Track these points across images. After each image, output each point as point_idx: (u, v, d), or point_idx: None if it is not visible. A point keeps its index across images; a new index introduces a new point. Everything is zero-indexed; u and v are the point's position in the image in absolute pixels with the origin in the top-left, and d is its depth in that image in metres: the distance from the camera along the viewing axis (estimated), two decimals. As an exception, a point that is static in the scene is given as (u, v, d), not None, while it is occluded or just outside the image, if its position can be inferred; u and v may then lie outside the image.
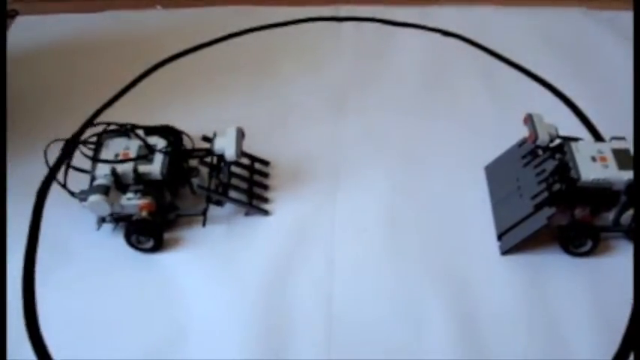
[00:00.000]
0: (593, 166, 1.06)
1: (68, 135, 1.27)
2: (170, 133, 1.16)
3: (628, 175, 1.04)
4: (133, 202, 1.09)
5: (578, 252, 1.08)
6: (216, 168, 1.15)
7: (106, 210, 1.08)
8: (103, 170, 1.09)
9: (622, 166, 1.06)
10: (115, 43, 1.55)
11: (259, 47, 1.53)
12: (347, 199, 1.18)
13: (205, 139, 1.15)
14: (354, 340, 0.99)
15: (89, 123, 1.29)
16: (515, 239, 1.08)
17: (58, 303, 1.05)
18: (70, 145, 1.18)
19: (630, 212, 1.06)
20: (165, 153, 1.11)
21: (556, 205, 1.05)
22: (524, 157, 1.15)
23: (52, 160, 1.17)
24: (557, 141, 1.12)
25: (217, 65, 1.48)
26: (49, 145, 1.14)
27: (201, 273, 1.08)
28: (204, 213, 1.14)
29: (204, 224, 1.14)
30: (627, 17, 1.48)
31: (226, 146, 1.10)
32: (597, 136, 1.28)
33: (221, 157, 1.12)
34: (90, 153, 1.13)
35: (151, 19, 1.62)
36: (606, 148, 1.09)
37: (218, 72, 1.46)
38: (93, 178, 1.11)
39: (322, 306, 1.03)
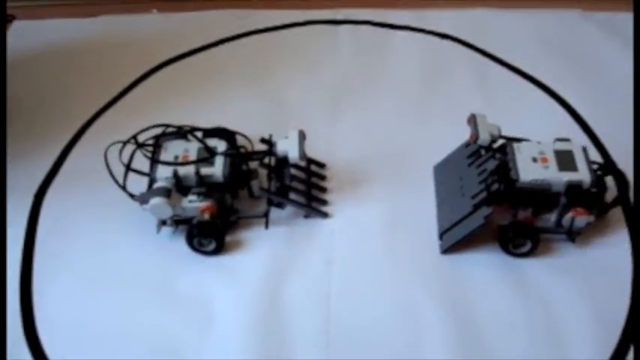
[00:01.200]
0: (533, 167, 1.06)
1: (67, 137, 1.27)
2: (225, 135, 1.15)
3: (568, 176, 1.04)
4: (194, 205, 1.08)
5: (517, 252, 1.08)
6: (275, 170, 1.14)
7: (167, 213, 1.07)
8: (163, 173, 1.08)
9: (562, 167, 1.05)
10: (112, 48, 1.55)
11: (256, 50, 1.53)
12: (344, 202, 1.18)
13: (263, 141, 1.14)
14: (353, 342, 0.99)
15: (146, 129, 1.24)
16: (454, 238, 1.08)
17: (57, 308, 1.05)
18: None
19: (571, 214, 1.05)
20: (228, 155, 1.11)
21: (498, 205, 1.06)
22: (469, 156, 1.15)
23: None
24: (501, 141, 1.12)
25: (214, 68, 1.48)
26: (108, 148, 1.13)
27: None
28: (266, 215, 1.14)
29: (266, 226, 1.13)
30: (623, 18, 1.48)
31: (290, 148, 1.09)
32: (593, 138, 1.28)
33: (283, 159, 1.11)
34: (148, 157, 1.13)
35: (147, 23, 1.63)
36: (549, 150, 1.09)
37: (215, 75, 1.46)
38: (152, 181, 1.10)
39: (321, 306, 1.03)
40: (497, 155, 1.11)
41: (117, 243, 1.13)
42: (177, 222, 1.12)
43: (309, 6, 1.63)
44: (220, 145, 1.12)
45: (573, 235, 1.09)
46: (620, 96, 1.35)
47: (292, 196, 1.14)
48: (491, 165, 1.10)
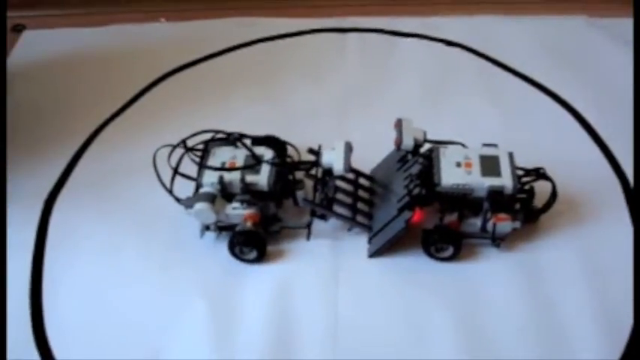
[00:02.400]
0: (456, 172, 1.06)
1: (76, 146, 1.28)
2: (274, 144, 1.15)
3: (490, 181, 1.04)
4: (238, 212, 1.08)
5: (439, 256, 1.08)
6: (321, 181, 1.13)
7: (211, 218, 1.07)
8: (209, 178, 1.08)
9: (485, 172, 1.05)
10: (121, 57, 1.56)
11: (263, 59, 1.54)
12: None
13: (311, 151, 1.13)
14: (359, 344, 1.00)
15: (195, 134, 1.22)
16: (379, 243, 1.09)
17: (68, 310, 1.06)
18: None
19: (493, 220, 1.05)
20: (273, 164, 1.10)
21: (424, 209, 1.06)
22: (398, 161, 1.16)
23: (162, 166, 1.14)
24: (428, 146, 1.12)
25: (221, 77, 1.49)
26: (157, 151, 1.13)
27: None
28: (308, 226, 1.13)
29: (308, 237, 1.13)
30: (628, 24, 1.48)
31: (335, 160, 1.08)
32: (600, 143, 1.29)
33: (328, 170, 1.11)
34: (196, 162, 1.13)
35: (155, 32, 1.64)
36: (474, 155, 1.08)
37: (222, 84, 1.47)
38: (198, 186, 1.10)
39: (328, 311, 1.04)
40: (421, 160, 1.11)
41: (124, 248, 1.13)
42: (221, 228, 1.12)
43: (316, 14, 1.64)
44: (268, 154, 1.12)
45: (497, 241, 1.09)
46: (626, 101, 1.35)
47: (336, 208, 1.13)
48: (416, 169, 1.10)
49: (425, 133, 1.11)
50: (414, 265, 1.09)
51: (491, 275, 1.07)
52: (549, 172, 1.13)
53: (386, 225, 1.09)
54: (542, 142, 1.29)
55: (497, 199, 1.04)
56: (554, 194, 1.11)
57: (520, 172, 1.09)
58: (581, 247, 1.11)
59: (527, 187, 1.10)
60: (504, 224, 1.06)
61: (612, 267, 1.08)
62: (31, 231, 1.17)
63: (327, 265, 1.10)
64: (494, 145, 1.11)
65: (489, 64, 1.50)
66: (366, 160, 1.22)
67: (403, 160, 1.15)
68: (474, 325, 1.01)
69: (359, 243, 1.12)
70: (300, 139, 1.16)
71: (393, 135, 1.12)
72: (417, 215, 1.06)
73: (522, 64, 1.48)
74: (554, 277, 1.07)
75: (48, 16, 1.71)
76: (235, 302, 1.05)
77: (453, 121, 1.34)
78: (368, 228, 1.13)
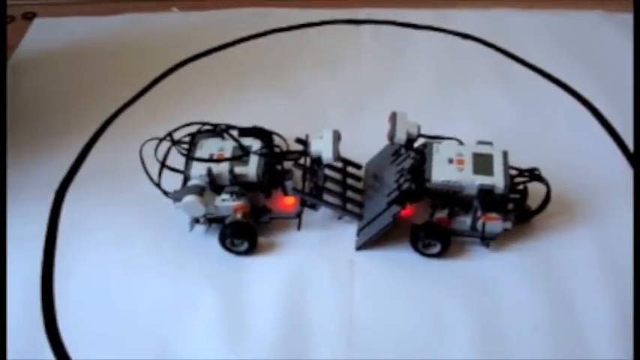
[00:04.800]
0: (447, 168, 1.04)
1: (88, 135, 1.27)
2: (261, 135, 1.15)
3: (480, 179, 1.02)
4: (227, 204, 1.07)
5: (427, 253, 1.08)
6: (309, 171, 1.13)
7: (200, 211, 1.06)
8: (197, 170, 1.08)
9: (477, 170, 1.03)
10: (133, 46, 1.55)
11: (277, 49, 1.53)
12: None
13: (299, 141, 1.13)
14: (374, 342, 0.99)
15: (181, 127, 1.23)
16: (367, 236, 1.09)
17: (79, 303, 1.05)
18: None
19: (482, 219, 1.04)
20: (261, 155, 1.10)
21: (415, 204, 1.06)
22: (393, 154, 1.15)
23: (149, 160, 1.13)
24: (422, 140, 1.11)
25: (234, 67, 1.48)
26: (143, 145, 1.12)
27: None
28: (299, 216, 1.13)
29: (299, 227, 1.12)
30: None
31: (323, 149, 1.08)
32: (616, 137, 1.28)
33: (316, 159, 1.10)
34: (183, 154, 1.12)
35: (168, 21, 1.63)
36: (467, 152, 1.07)
37: (235, 74, 1.46)
38: (186, 178, 1.09)
39: (344, 306, 1.03)
40: (412, 154, 1.10)
41: (135, 240, 1.13)
42: (210, 220, 1.11)
43: (330, 5, 1.63)
44: (256, 145, 1.11)
45: (487, 240, 1.08)
46: (641, 95, 1.34)
47: (326, 197, 1.12)
48: (407, 164, 1.09)
49: (419, 128, 1.10)
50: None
51: (502, 272, 1.07)
52: (563, 165, 1.13)
53: (375, 218, 1.09)
54: (557, 135, 1.29)
55: (488, 198, 1.03)
56: (548, 196, 1.09)
57: (514, 172, 1.08)
58: (599, 243, 1.10)
59: (520, 187, 1.09)
60: (494, 224, 1.05)
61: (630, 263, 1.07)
62: (42, 222, 1.16)
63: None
64: (489, 143, 1.09)
65: (504, 57, 1.49)
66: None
67: (397, 153, 1.14)
68: (485, 320, 1.01)
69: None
70: (312, 131, 1.15)
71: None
72: (406, 211, 1.07)
73: (537, 57, 1.47)
74: (572, 275, 1.06)
75: (59, 4, 1.70)
76: (245, 293, 1.05)
77: (466, 114, 1.34)
78: (358, 216, 1.13)
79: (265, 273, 1.08)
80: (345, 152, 1.21)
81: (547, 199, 1.09)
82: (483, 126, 1.30)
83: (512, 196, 1.06)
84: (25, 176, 1.23)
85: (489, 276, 1.06)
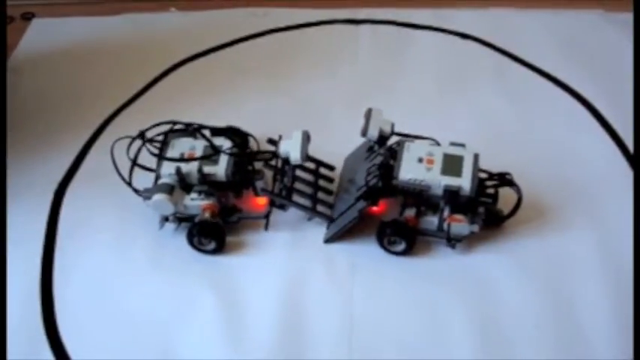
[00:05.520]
0: (416, 167, 1.05)
1: (87, 135, 1.27)
2: (236, 135, 1.15)
3: (447, 180, 1.02)
4: (196, 203, 1.08)
5: (392, 250, 1.08)
6: (280, 171, 1.13)
7: (169, 209, 1.07)
8: (167, 169, 1.08)
9: (446, 171, 1.03)
10: (132, 46, 1.55)
11: (276, 49, 1.53)
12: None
13: (271, 141, 1.14)
14: (374, 343, 0.99)
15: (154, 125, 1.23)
16: (334, 230, 1.10)
17: (78, 304, 1.05)
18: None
19: (447, 220, 1.04)
20: (231, 154, 1.10)
21: (383, 200, 1.07)
22: (367, 150, 1.15)
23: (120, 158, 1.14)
24: (396, 138, 1.12)
25: (233, 67, 1.48)
26: (115, 143, 1.13)
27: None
28: (267, 216, 1.13)
29: (266, 228, 1.13)
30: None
31: (291, 149, 1.08)
32: (616, 138, 1.28)
33: (286, 160, 1.10)
34: (153, 153, 1.12)
35: (166, 21, 1.63)
36: (439, 152, 1.07)
37: (234, 74, 1.46)
38: (157, 177, 1.10)
39: (344, 308, 1.03)
40: (383, 151, 1.10)
41: (134, 239, 1.13)
42: (180, 219, 1.11)
43: (329, 5, 1.63)
44: (227, 145, 1.11)
45: (453, 242, 1.07)
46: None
47: (296, 198, 1.13)
48: (378, 160, 1.09)
49: (392, 125, 1.11)
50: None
51: (503, 273, 1.07)
52: (562, 165, 1.13)
53: (343, 212, 1.09)
54: (557, 136, 1.29)
55: (454, 200, 1.02)
56: (519, 201, 1.09)
57: (484, 176, 1.08)
58: (600, 243, 1.10)
59: (491, 191, 1.09)
60: (460, 226, 1.04)
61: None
62: (41, 221, 1.16)
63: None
64: (462, 145, 1.09)
65: (504, 58, 1.48)
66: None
67: (371, 150, 1.14)
68: (484, 318, 1.01)
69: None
70: (311, 131, 1.15)
71: (404, 127, 1.11)
72: (378, 208, 1.08)
73: (537, 57, 1.47)
74: (573, 275, 1.06)
75: (58, 4, 1.70)
76: (244, 293, 1.05)
77: (466, 114, 1.34)
78: (328, 217, 1.13)
79: (264, 273, 1.08)
80: (343, 151, 1.22)
81: (518, 204, 1.09)
82: (482, 125, 1.30)
83: (483, 199, 1.07)
84: (25, 175, 1.23)
85: (490, 276, 1.06)
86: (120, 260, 1.10)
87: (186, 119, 1.16)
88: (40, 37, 1.58)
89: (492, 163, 1.16)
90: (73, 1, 1.71)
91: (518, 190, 1.09)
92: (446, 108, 1.35)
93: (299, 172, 1.16)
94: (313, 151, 1.15)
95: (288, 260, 1.09)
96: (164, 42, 1.56)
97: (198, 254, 1.10)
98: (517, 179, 1.09)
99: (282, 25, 1.58)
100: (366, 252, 1.10)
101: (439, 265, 1.08)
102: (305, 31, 1.57)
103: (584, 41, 1.51)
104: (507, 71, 1.45)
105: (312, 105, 1.37)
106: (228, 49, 1.53)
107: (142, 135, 1.13)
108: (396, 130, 1.12)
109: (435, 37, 1.54)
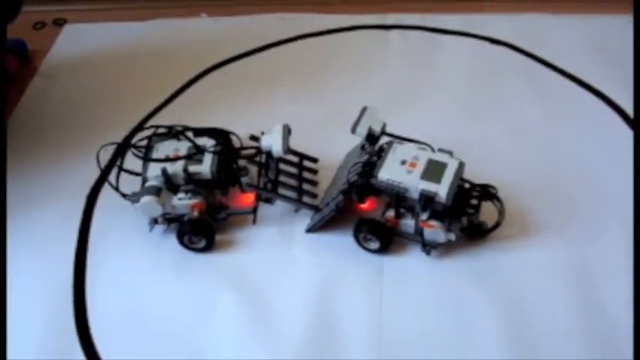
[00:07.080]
0: (396, 169, 1.04)
1: (117, 139, 1.28)
2: (219, 135, 1.16)
3: (424, 185, 1.01)
4: (184, 202, 1.10)
5: (366, 247, 1.09)
6: (265, 165, 1.15)
7: (157, 211, 1.08)
8: (154, 172, 1.10)
9: (425, 176, 1.03)
10: (162, 51, 1.56)
11: (306, 55, 1.53)
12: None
13: (253, 138, 1.16)
14: (405, 346, 0.99)
15: (139, 127, 1.31)
16: (314, 221, 1.12)
17: (108, 306, 1.06)
18: (122, 148, 1.20)
19: (420, 224, 1.04)
20: (215, 152, 1.12)
21: (368, 198, 1.08)
22: (362, 148, 1.16)
23: (103, 164, 1.19)
24: (387, 138, 1.12)
25: (264, 72, 1.49)
26: (100, 149, 1.15)
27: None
28: (254, 211, 1.15)
29: (254, 222, 1.14)
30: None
31: (273, 143, 1.10)
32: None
33: (269, 154, 1.12)
34: (139, 156, 1.14)
35: (196, 27, 1.64)
36: (424, 157, 1.06)
37: (265, 78, 1.47)
38: (144, 180, 1.12)
39: (374, 312, 1.03)
40: (369, 150, 1.10)
41: (162, 244, 1.13)
42: (169, 220, 1.13)
43: (358, 10, 1.63)
44: (210, 144, 1.13)
45: (428, 247, 1.07)
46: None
47: (282, 190, 1.15)
48: (364, 158, 1.10)
49: (384, 126, 1.12)
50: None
51: (533, 277, 1.06)
52: (592, 172, 1.14)
53: (327, 204, 1.11)
54: (588, 141, 1.28)
55: (429, 205, 1.02)
56: (501, 215, 1.08)
57: (467, 186, 1.07)
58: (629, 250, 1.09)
59: (474, 202, 1.08)
60: (434, 232, 1.04)
61: None
62: (74, 225, 1.17)
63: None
64: (449, 153, 1.08)
65: (534, 63, 1.48)
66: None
67: (364, 148, 1.15)
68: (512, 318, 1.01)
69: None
70: (342, 137, 1.15)
71: (433, 133, 1.12)
72: (365, 205, 1.10)
73: (568, 62, 1.46)
74: (604, 279, 1.05)
75: (89, 10, 1.72)
76: (273, 294, 1.06)
77: (497, 120, 1.33)
78: (314, 207, 1.14)
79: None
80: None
81: (501, 218, 1.08)
82: (515, 131, 1.30)
83: (467, 210, 1.07)
84: (57, 181, 1.25)
85: (520, 279, 1.05)
86: (149, 264, 1.11)
87: (217, 124, 1.17)
88: (72, 42, 1.60)
89: (524, 171, 1.17)
90: (104, 7, 1.73)
91: (501, 204, 1.08)
92: (476, 113, 1.35)
93: (283, 166, 1.18)
94: (342, 153, 1.18)
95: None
96: (195, 47, 1.57)
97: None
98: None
99: (312, 30, 1.58)
100: (394, 254, 1.10)
101: (466, 268, 1.07)
102: (335, 37, 1.58)
103: (614, 46, 1.50)
104: (538, 77, 1.44)
105: (342, 109, 1.35)
106: (258, 55, 1.54)
107: (126, 141, 1.15)
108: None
109: (465, 43, 1.54)
